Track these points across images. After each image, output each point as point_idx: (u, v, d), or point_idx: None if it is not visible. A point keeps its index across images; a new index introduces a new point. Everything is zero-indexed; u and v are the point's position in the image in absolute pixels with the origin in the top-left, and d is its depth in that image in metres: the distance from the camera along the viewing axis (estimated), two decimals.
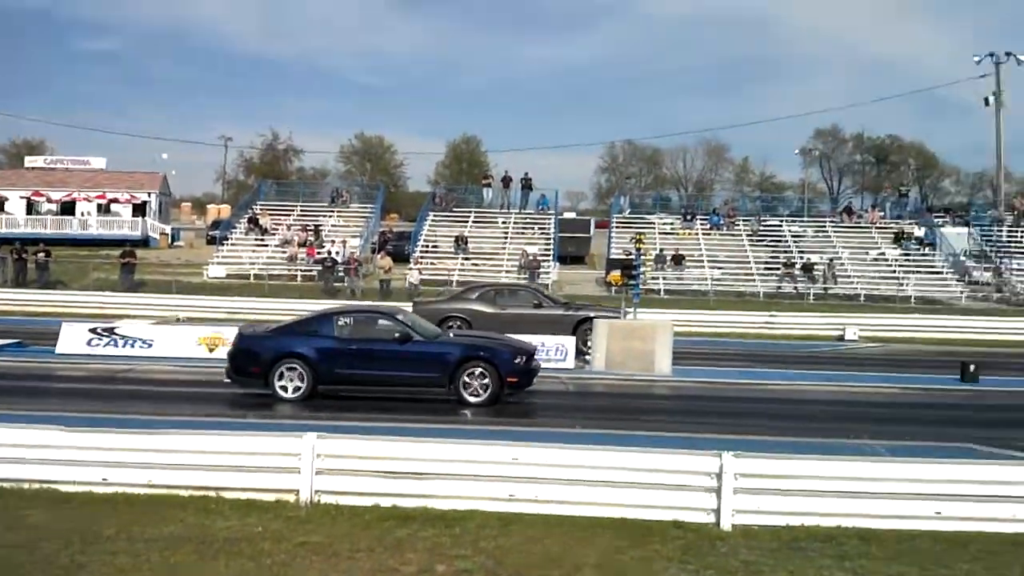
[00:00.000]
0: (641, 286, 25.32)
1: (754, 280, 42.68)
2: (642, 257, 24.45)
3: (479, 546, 8.63)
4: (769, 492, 9.56)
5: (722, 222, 49.00)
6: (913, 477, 9.64)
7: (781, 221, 49.85)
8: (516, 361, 16.63)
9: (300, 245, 44.67)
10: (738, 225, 48.79)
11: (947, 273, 43.72)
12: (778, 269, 43.23)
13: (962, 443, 13.44)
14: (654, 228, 47.98)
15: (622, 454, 9.91)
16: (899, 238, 46.35)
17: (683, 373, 20.36)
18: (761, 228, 48.51)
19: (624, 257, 40.82)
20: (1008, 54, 49.50)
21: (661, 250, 44.37)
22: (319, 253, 42.75)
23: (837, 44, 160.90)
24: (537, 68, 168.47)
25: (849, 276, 42.59)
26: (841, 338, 30.01)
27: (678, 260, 43.80)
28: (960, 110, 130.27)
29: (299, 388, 16.22)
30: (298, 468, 9.83)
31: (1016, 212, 51.20)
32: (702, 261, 44.33)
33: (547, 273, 42.39)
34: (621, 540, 8.83)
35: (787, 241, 46.75)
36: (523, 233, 47.47)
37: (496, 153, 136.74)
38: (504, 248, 45.81)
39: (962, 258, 45.37)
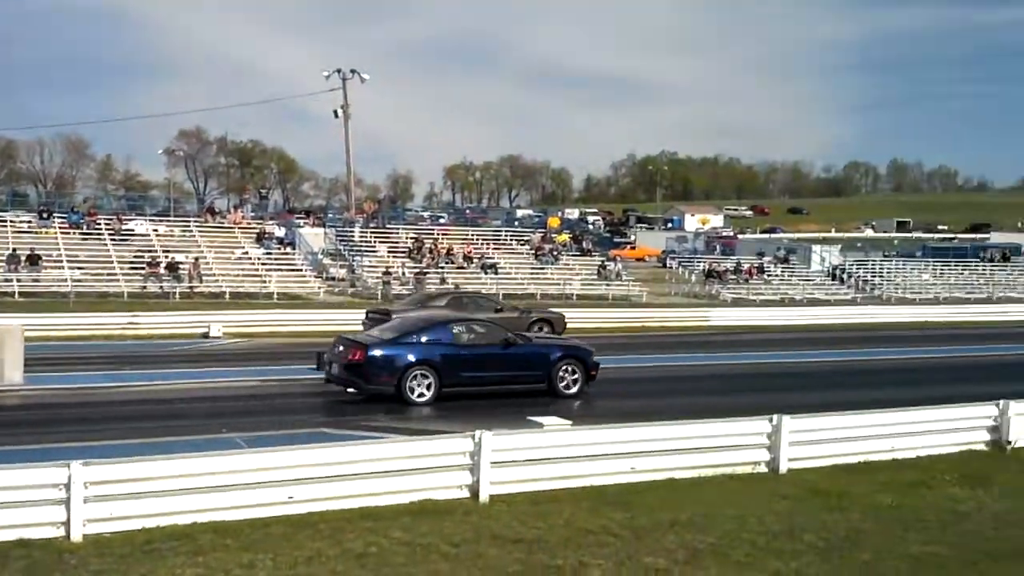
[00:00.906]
0: None
1: (118, 280, 41.14)
2: None
3: None
4: (124, 497, 9.31)
5: (83, 221, 46.66)
6: (266, 466, 10.04)
7: (146, 220, 49.00)
8: (594, 358, 18.88)
9: None
10: (100, 224, 46.73)
11: (307, 270, 46.40)
12: (143, 269, 42.23)
13: (314, 428, 14.36)
14: (7, 227, 44.20)
15: None
16: (261, 238, 48.10)
17: (37, 381, 18.91)
18: (124, 227, 47.02)
19: None
20: (353, 71, 53.81)
21: (15, 250, 40.80)
22: None
23: (200, 46, 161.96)
24: None
25: (214, 274, 43.04)
26: (206, 335, 30.15)
27: (34, 260, 40.64)
28: (317, 120, 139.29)
29: (427, 392, 17.06)
30: None
31: (366, 215, 56.01)
32: (61, 261, 41.65)
33: None
34: None
35: (152, 240, 45.92)
36: None
37: None
38: None
39: (320, 256, 48.65)
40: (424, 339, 17.70)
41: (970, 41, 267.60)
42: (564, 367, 18.45)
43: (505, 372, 18.15)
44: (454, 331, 18.10)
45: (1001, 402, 14.32)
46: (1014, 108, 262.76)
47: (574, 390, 18.44)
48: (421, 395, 17.07)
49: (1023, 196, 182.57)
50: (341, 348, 17.83)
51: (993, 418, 14.33)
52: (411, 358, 17.22)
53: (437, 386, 17.16)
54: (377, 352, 17.27)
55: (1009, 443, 14.13)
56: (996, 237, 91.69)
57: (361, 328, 25.70)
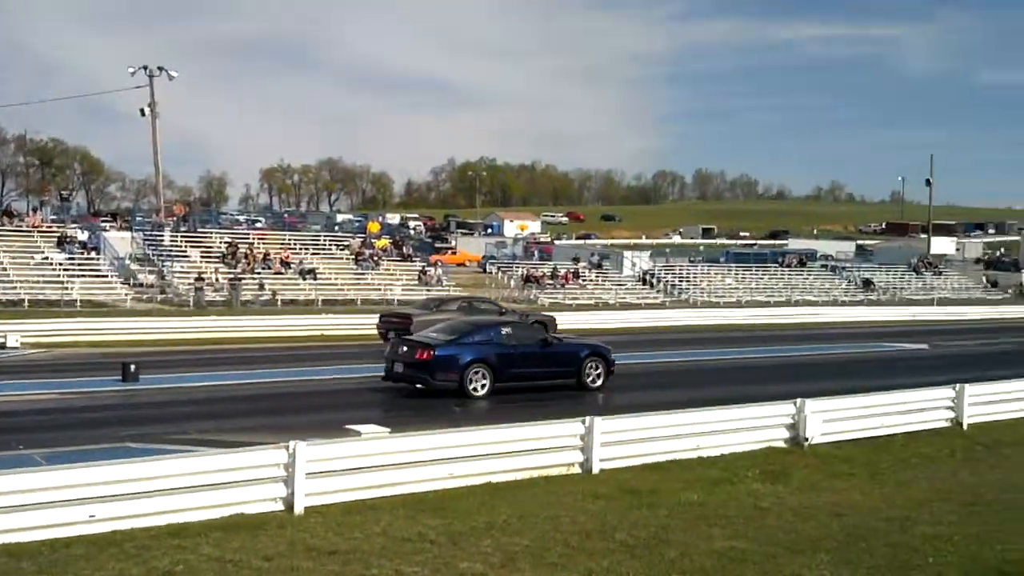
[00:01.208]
0: None
1: None
2: None
3: None
4: None
5: None
6: (65, 483, 9.52)
7: None
8: (612, 356, 21.00)
9: None
10: None
11: (112, 276, 44.31)
12: None
13: (118, 443, 13.73)
14: None
15: None
16: (62, 242, 45.63)
17: None
18: None
19: None
20: (161, 68, 51.64)
21: None
22: None
23: None
24: None
25: (12, 281, 40.62)
26: (3, 346, 28.47)
27: None
28: (124, 118, 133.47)
29: (484, 387, 18.92)
30: None
31: (176, 218, 53.94)
32: None
33: None
34: None
35: None
36: None
37: None
38: None
39: (127, 262, 46.46)
40: (479, 339, 19.64)
41: (767, 57, 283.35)
42: (590, 364, 20.53)
43: (545, 368, 20.13)
44: (503, 332, 20.06)
45: (798, 401, 15.16)
46: (809, 121, 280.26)
47: (598, 384, 20.48)
48: (483, 388, 18.96)
49: (818, 204, 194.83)
50: (405, 348, 19.68)
51: (791, 416, 15.14)
52: (471, 357, 19.06)
53: (492, 381, 19.07)
54: (443, 352, 19.02)
55: (806, 440, 14.96)
56: (794, 243, 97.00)
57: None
